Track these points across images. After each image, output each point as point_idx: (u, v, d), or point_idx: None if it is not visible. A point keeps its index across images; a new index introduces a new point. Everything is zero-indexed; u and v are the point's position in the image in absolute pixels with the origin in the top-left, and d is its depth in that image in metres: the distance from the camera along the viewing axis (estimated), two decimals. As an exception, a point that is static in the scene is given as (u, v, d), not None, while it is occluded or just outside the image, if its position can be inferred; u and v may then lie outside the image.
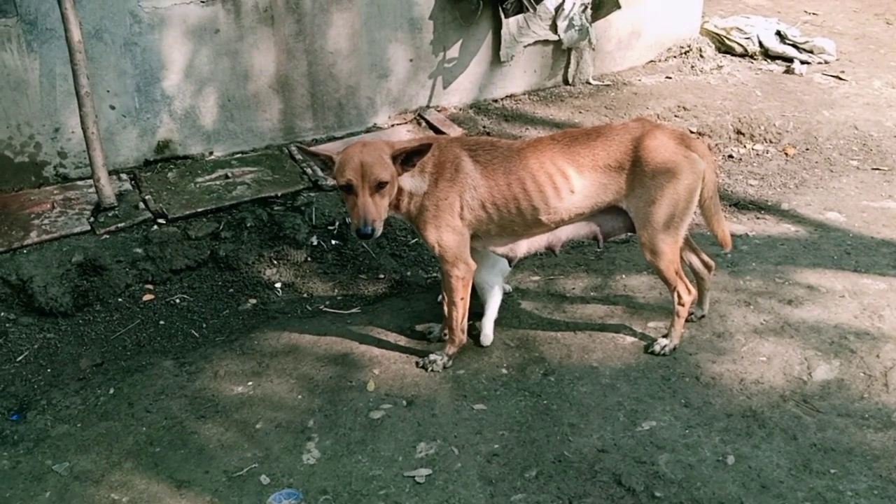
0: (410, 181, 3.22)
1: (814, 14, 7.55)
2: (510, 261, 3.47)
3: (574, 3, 5.60)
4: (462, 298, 3.37)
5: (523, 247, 3.37)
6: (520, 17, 5.44)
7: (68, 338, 3.86)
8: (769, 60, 6.47)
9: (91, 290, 4.04)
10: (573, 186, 3.16)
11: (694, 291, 3.43)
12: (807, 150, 5.38)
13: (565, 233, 3.34)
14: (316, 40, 4.98)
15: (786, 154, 5.36)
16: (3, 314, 3.91)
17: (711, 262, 3.58)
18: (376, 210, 2.99)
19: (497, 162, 3.19)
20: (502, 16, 5.37)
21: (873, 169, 5.13)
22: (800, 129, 5.52)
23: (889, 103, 5.85)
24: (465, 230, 3.25)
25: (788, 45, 6.51)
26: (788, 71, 6.30)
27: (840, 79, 6.24)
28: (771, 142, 5.46)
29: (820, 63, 6.46)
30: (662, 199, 3.14)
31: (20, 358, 3.72)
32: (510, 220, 3.22)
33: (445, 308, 3.47)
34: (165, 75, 4.70)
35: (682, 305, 3.41)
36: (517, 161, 3.18)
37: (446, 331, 3.58)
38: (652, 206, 3.16)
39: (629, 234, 3.38)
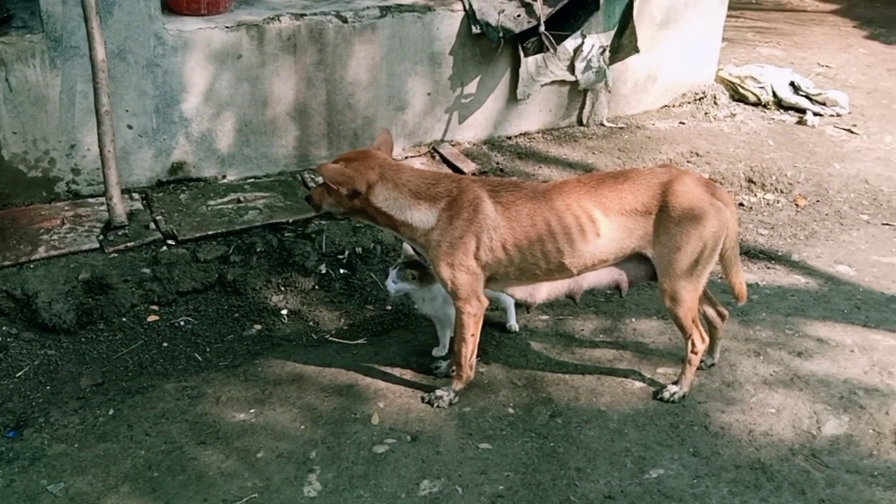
0: (417, 214, 3.22)
1: (827, 66, 7.60)
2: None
3: (593, 46, 5.64)
4: (473, 335, 3.34)
5: (543, 292, 3.35)
6: (538, 56, 5.47)
7: (69, 355, 3.83)
8: (782, 111, 6.49)
9: (96, 308, 4.02)
10: (599, 230, 3.14)
11: (707, 340, 3.40)
12: (817, 201, 5.38)
13: (588, 280, 3.32)
14: (336, 70, 5.00)
15: (796, 205, 5.36)
16: (4, 328, 3.88)
17: (725, 312, 3.56)
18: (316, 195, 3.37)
19: (521, 203, 3.17)
20: (521, 55, 5.40)
21: (883, 224, 5.12)
22: (811, 180, 5.53)
23: (901, 159, 5.87)
24: (480, 270, 3.23)
25: (802, 96, 6.54)
26: (801, 122, 6.32)
27: (852, 132, 6.26)
28: (782, 192, 5.46)
29: (832, 115, 6.49)
30: (688, 245, 3.12)
31: (19, 374, 3.68)
32: (532, 262, 3.20)
33: (455, 344, 3.44)
34: (185, 98, 4.71)
35: (696, 354, 3.38)
36: (542, 202, 3.16)
37: (454, 367, 3.56)
38: (677, 252, 3.14)
39: (650, 282, 3.36)
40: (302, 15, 4.89)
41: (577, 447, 3.21)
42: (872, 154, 5.90)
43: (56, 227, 4.34)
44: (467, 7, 5.27)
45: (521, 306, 3.76)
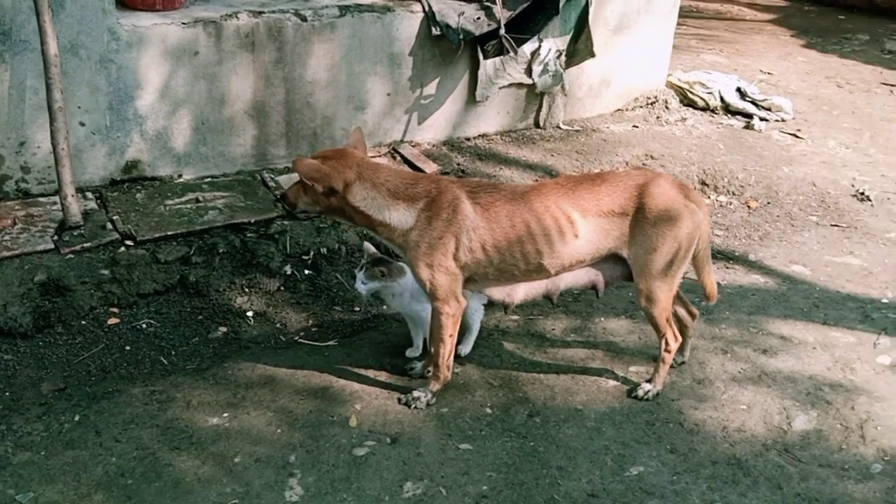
0: (395, 214, 3.20)
1: (769, 73, 7.82)
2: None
3: (549, 49, 5.68)
4: (451, 335, 3.32)
5: (520, 292, 3.35)
6: (497, 59, 5.49)
7: (27, 360, 3.67)
8: (730, 115, 6.65)
9: (53, 311, 3.86)
10: (578, 231, 3.16)
11: (680, 338, 3.46)
12: (768, 203, 5.52)
13: (565, 281, 3.34)
14: (295, 69, 4.93)
15: (748, 207, 5.49)
16: (-44, 333, 3.71)
17: (695, 311, 3.63)
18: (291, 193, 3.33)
19: (500, 204, 3.17)
20: (481, 57, 5.41)
21: (832, 225, 5.29)
22: (761, 182, 5.67)
23: (843, 163, 6.07)
24: (459, 271, 3.22)
25: (748, 101, 6.71)
26: (748, 127, 6.49)
27: (797, 137, 6.45)
28: (734, 194, 5.59)
29: (777, 121, 6.67)
30: (663, 246, 3.17)
31: (-25, 380, 3.52)
32: (511, 263, 3.20)
33: (431, 344, 3.42)
34: (140, 95, 4.58)
35: (669, 352, 3.43)
36: (521, 204, 3.17)
37: (429, 368, 3.53)
38: (652, 253, 3.19)
39: (625, 282, 3.40)
40: (260, 13, 4.81)
41: (556, 446, 3.22)
42: (817, 158, 6.09)
43: (7, 227, 4.16)
44: (427, 9, 5.26)
45: (492, 305, 3.75)
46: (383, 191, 3.19)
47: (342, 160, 3.18)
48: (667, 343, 3.41)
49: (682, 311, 3.57)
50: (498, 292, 3.36)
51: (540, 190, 3.22)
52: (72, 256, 4.04)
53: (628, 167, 5.57)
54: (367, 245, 3.59)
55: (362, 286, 3.54)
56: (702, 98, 6.67)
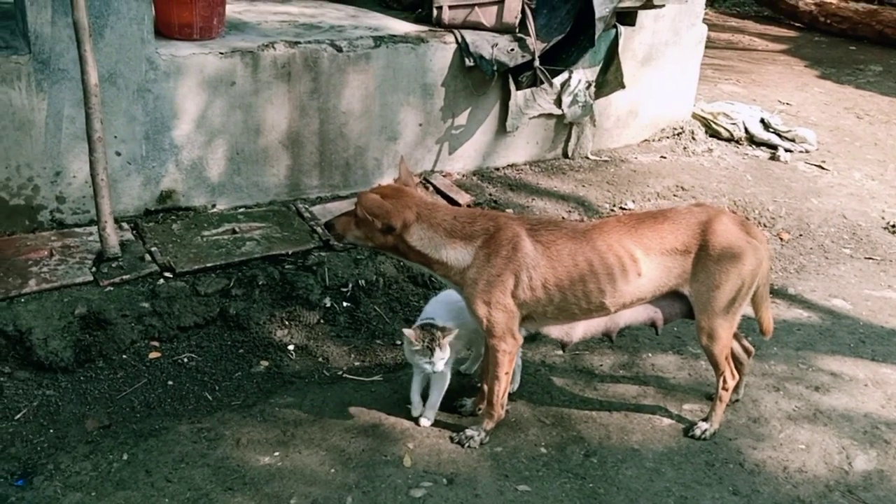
0: (452, 253, 3.16)
1: (788, 104, 7.84)
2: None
3: (579, 80, 5.68)
4: (507, 373, 3.27)
5: (579, 331, 3.31)
6: (528, 90, 5.48)
7: (69, 395, 3.60)
8: (754, 146, 6.66)
9: (94, 344, 3.80)
10: (641, 269, 3.13)
11: (737, 376, 3.41)
12: (800, 235, 5.50)
13: (624, 318, 3.31)
14: (330, 99, 4.90)
15: (780, 239, 5.47)
16: (-4, 367, 3.64)
17: (751, 348, 3.59)
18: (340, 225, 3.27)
19: (561, 242, 3.14)
20: (513, 88, 5.40)
21: (866, 258, 5.27)
22: (791, 214, 5.66)
23: (871, 195, 6.06)
24: (516, 308, 3.17)
25: (772, 132, 6.72)
26: (773, 158, 6.48)
27: (822, 168, 6.45)
28: (765, 226, 5.57)
29: (801, 152, 6.68)
30: (726, 283, 3.14)
31: (18, 416, 3.45)
32: (572, 302, 3.16)
33: (486, 382, 3.37)
34: (176, 124, 4.54)
35: (727, 390, 3.39)
36: (584, 242, 3.13)
37: (481, 405, 3.48)
38: (715, 290, 3.15)
39: (686, 319, 3.36)
40: (296, 43, 4.79)
41: (617, 488, 3.16)
42: (845, 189, 6.08)
43: (45, 258, 4.10)
44: (460, 40, 5.25)
45: (536, 339, 3.70)
46: (440, 231, 3.15)
47: (402, 199, 3.14)
48: (724, 381, 3.37)
49: (738, 349, 3.53)
50: (556, 330, 3.31)
51: (602, 228, 3.19)
52: (111, 289, 3.98)
53: (660, 198, 5.55)
54: (408, 331, 3.28)
55: (441, 364, 3.29)
56: (726, 129, 6.67)
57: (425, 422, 3.44)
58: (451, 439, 3.37)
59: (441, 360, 3.27)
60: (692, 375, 3.85)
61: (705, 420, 3.46)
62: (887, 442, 3.46)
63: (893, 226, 5.58)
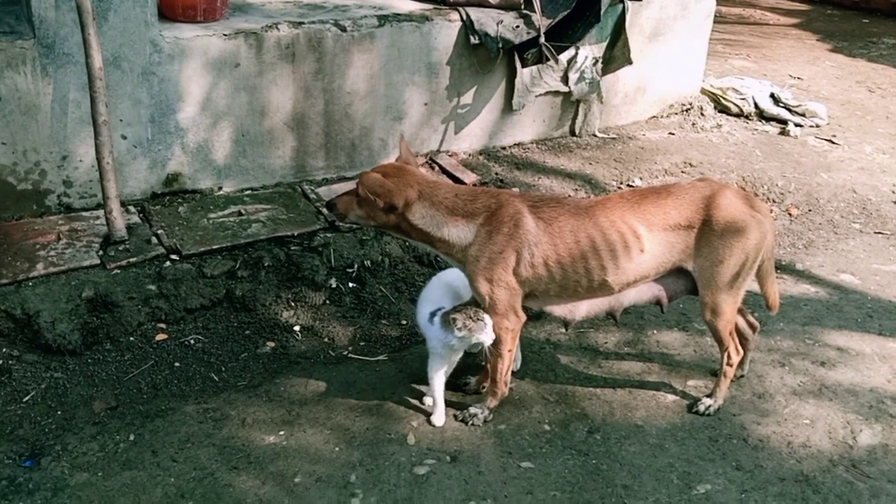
0: (454, 231, 3.16)
1: (799, 79, 7.75)
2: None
3: (586, 57, 5.64)
4: (510, 350, 3.28)
5: (583, 309, 3.30)
6: (533, 67, 5.45)
7: (77, 378, 3.64)
8: (764, 122, 6.59)
9: (101, 327, 3.83)
10: (644, 245, 3.11)
11: (741, 352, 3.40)
12: (809, 211, 5.46)
13: (628, 297, 3.30)
14: (335, 79, 4.90)
15: (789, 214, 5.43)
16: (5, 350, 3.68)
17: (756, 324, 3.58)
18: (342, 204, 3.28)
19: (563, 219, 3.12)
20: (518, 66, 5.37)
21: (876, 232, 5.23)
22: (801, 190, 5.61)
23: (882, 169, 6.00)
24: (518, 286, 3.17)
25: (782, 107, 6.65)
26: (783, 133, 6.42)
27: (833, 142, 6.39)
28: (774, 202, 5.53)
29: (812, 126, 6.61)
30: (730, 258, 3.12)
31: (26, 398, 3.49)
32: (575, 280, 3.15)
33: (489, 359, 3.37)
34: (181, 107, 4.55)
35: (731, 366, 3.38)
36: (586, 218, 3.12)
37: (484, 383, 3.49)
38: (719, 265, 3.14)
39: (690, 296, 3.35)
40: (300, 23, 4.78)
41: (620, 464, 3.17)
42: (855, 164, 6.02)
43: (52, 242, 4.13)
44: (465, 18, 5.22)
45: (542, 317, 3.70)
46: (442, 208, 3.15)
47: (404, 178, 3.14)
48: (729, 357, 3.36)
49: (742, 324, 3.52)
50: (559, 309, 3.31)
51: (605, 204, 3.18)
52: (118, 272, 4.01)
53: (667, 175, 5.52)
54: (459, 317, 3.15)
55: (487, 334, 3.17)
56: (735, 104, 6.61)
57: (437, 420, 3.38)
58: (455, 417, 3.39)
59: (490, 326, 3.16)
60: (697, 352, 3.84)
61: (709, 396, 3.46)
62: (893, 416, 3.45)
63: (904, 200, 5.52)
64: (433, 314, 3.28)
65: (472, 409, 3.38)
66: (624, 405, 3.49)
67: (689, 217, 3.14)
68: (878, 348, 3.91)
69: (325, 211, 4.62)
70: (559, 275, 3.14)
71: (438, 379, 3.32)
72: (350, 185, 4.86)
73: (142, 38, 4.35)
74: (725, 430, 3.35)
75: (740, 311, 3.49)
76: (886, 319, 4.16)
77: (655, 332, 4.01)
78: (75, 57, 4.17)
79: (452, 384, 3.57)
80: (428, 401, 3.45)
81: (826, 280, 4.57)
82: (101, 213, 4.27)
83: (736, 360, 3.38)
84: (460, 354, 3.36)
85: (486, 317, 3.15)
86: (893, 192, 5.64)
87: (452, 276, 3.48)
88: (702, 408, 3.43)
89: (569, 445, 3.26)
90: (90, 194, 4.47)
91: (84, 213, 4.42)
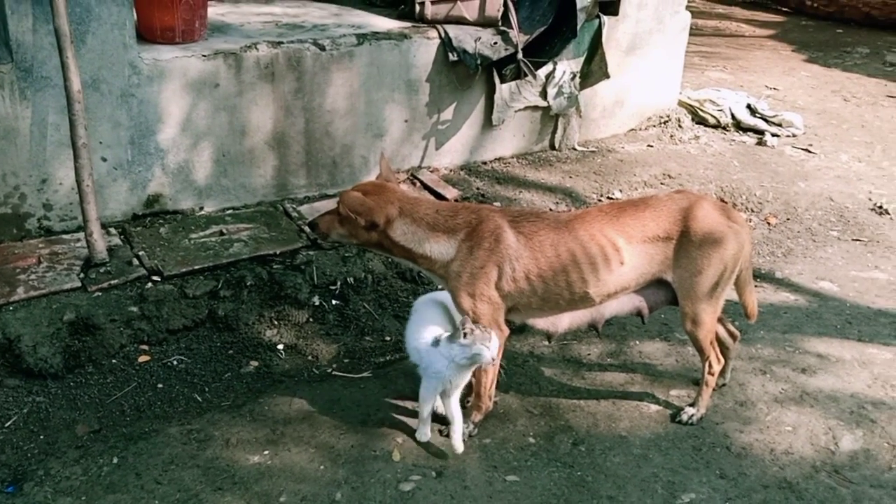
0: (435, 247, 3.18)
1: (775, 89, 7.85)
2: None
3: (564, 72, 5.69)
4: (494, 365, 3.29)
5: (565, 322, 3.33)
6: (512, 83, 5.49)
7: (60, 401, 3.62)
8: (741, 132, 6.67)
9: (83, 350, 3.81)
10: (623, 258, 3.14)
11: (723, 360, 3.43)
12: (788, 219, 5.52)
13: (610, 309, 3.33)
14: (315, 98, 4.92)
15: (768, 223, 5.49)
16: (-14, 375, 3.66)
17: (737, 332, 3.61)
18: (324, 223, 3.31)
19: (543, 233, 3.15)
20: (497, 81, 5.41)
21: (854, 240, 5.29)
22: (779, 199, 5.68)
23: (858, 176, 6.08)
24: (501, 300, 3.19)
25: (758, 118, 6.73)
26: (760, 143, 6.50)
27: (809, 151, 6.47)
28: (753, 211, 5.59)
29: (788, 136, 6.69)
30: (708, 268, 3.16)
31: (8, 423, 3.46)
32: (556, 293, 3.18)
33: (473, 374, 3.38)
34: (161, 128, 4.55)
35: (712, 375, 3.41)
36: (566, 232, 3.15)
37: (468, 398, 3.50)
38: (698, 276, 3.17)
39: (669, 306, 3.38)
40: (279, 43, 4.80)
41: (605, 475, 3.18)
42: (832, 172, 6.10)
43: (32, 265, 4.12)
44: (443, 35, 5.26)
45: (525, 331, 3.72)
46: (423, 225, 3.17)
47: (384, 195, 3.16)
48: (710, 366, 3.39)
49: (723, 333, 3.55)
50: (542, 322, 3.33)
51: (584, 217, 3.21)
52: (99, 294, 3.99)
53: (647, 187, 5.57)
54: (472, 328, 3.09)
55: (487, 352, 3.10)
56: (713, 115, 6.68)
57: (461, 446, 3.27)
58: (440, 432, 3.39)
59: (487, 352, 3.07)
60: (679, 362, 3.87)
61: (692, 405, 3.48)
62: (873, 421, 3.49)
63: (880, 207, 5.59)
64: (437, 340, 3.18)
65: (457, 424, 3.38)
66: (608, 416, 3.50)
67: (668, 229, 3.18)
68: (857, 354, 3.95)
69: (307, 229, 4.62)
70: (541, 288, 3.17)
71: (430, 401, 3.30)
72: (332, 203, 4.87)
73: (120, 61, 4.36)
74: (709, 439, 3.37)
75: (720, 320, 3.53)
76: (865, 325, 4.21)
77: (637, 342, 4.04)
78: (54, 80, 4.17)
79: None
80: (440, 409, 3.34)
81: (805, 287, 4.62)
82: (81, 235, 4.25)
83: (717, 368, 3.41)
84: (465, 378, 3.26)
85: (494, 334, 3.10)
86: (870, 200, 5.71)
87: (442, 297, 3.46)
88: (685, 417, 3.45)
89: (554, 458, 3.27)
90: (70, 217, 4.46)
91: (64, 236, 4.41)
